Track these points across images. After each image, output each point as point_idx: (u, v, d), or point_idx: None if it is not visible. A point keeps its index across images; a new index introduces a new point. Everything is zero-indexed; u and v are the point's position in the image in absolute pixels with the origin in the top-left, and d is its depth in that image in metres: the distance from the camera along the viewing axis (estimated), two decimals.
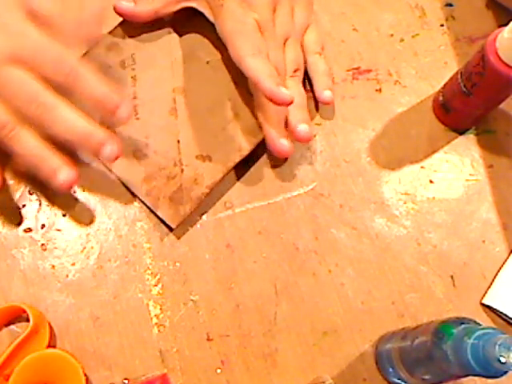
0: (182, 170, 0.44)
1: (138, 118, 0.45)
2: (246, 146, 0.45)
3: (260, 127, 0.45)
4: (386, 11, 0.53)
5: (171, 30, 0.48)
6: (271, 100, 0.41)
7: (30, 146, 0.38)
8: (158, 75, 0.47)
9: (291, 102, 0.41)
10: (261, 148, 0.47)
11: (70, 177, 0.38)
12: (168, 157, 0.44)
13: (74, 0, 0.42)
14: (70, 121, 0.38)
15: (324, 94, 0.47)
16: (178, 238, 0.44)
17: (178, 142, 0.44)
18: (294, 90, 0.45)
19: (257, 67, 0.42)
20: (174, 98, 0.46)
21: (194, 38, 0.49)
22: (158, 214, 0.43)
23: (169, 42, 0.48)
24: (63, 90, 0.38)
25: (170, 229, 0.44)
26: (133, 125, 0.45)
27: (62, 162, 0.39)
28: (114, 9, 0.46)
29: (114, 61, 0.47)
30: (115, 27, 0.48)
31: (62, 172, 0.38)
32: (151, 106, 0.46)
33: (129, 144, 0.44)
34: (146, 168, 0.44)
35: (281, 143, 0.44)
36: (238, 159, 0.45)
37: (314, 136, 0.48)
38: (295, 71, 0.46)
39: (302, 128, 0.44)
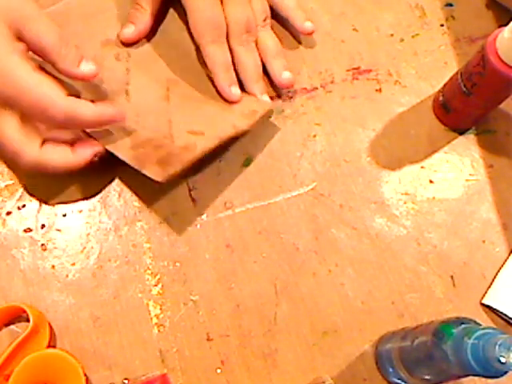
0: (173, 141, 0.42)
1: (129, 101, 0.44)
2: (240, 126, 0.44)
3: (254, 112, 0.45)
4: (385, 11, 0.53)
5: (166, 24, 0.48)
6: (221, 94, 0.45)
7: None
8: (152, 67, 0.46)
9: (237, 102, 0.45)
10: (261, 148, 0.47)
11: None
12: (158, 132, 0.43)
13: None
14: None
15: (305, 25, 0.49)
16: (178, 238, 0.44)
17: (170, 121, 0.44)
18: (268, 39, 0.47)
19: (215, 58, 0.45)
20: (167, 87, 0.45)
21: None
22: (144, 172, 0.40)
23: (165, 36, 0.48)
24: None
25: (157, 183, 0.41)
26: (123, 105, 0.44)
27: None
28: (121, 41, 0.47)
29: (109, 54, 0.46)
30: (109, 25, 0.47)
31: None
32: (144, 92, 0.45)
33: (118, 123, 0.42)
34: (133, 139, 0.42)
35: (262, 98, 0.46)
36: (231, 133, 0.43)
37: (314, 136, 0.48)
38: (264, 20, 0.48)
39: (286, 76, 0.47)
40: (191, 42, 0.47)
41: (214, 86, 0.46)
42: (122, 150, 0.42)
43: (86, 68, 0.41)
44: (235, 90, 0.45)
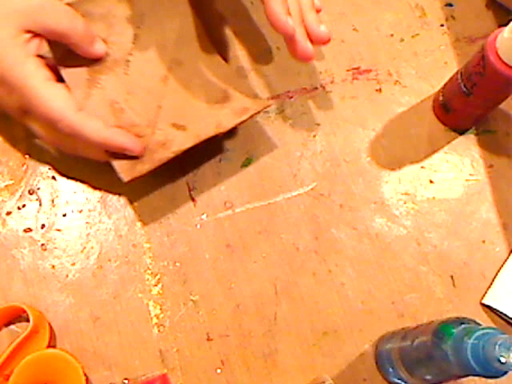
0: (153, 133, 0.42)
1: (126, 74, 0.43)
2: (225, 124, 0.43)
3: (245, 110, 0.43)
4: (386, 11, 0.53)
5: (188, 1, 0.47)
6: (272, 24, 0.40)
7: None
8: (160, 42, 0.45)
9: (292, 34, 0.41)
10: (261, 148, 0.47)
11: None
12: (143, 117, 0.42)
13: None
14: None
15: (321, 28, 0.44)
16: (178, 238, 0.45)
17: (160, 107, 0.43)
18: None
19: None
20: (169, 67, 0.44)
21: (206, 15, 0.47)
22: (113, 164, 0.41)
23: (182, 13, 0.46)
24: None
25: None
26: (119, 77, 0.43)
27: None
28: None
29: (122, 13, 0.45)
30: None
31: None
32: (144, 67, 0.44)
33: (108, 93, 0.42)
34: (116, 120, 0.42)
35: (308, 45, 0.43)
36: (212, 133, 0.42)
37: (314, 136, 0.48)
38: None
39: (323, 28, 0.44)
40: (207, 26, 0.46)
41: (215, 76, 0.44)
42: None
43: (100, 47, 0.42)
44: (291, 21, 0.41)
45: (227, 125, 0.43)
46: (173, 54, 0.45)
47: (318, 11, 0.46)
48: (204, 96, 0.44)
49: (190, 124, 0.43)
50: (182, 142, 0.42)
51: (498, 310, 0.43)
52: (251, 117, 0.43)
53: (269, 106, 0.45)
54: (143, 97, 0.43)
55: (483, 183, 0.48)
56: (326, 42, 0.44)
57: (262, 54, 0.51)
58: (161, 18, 0.46)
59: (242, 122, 0.43)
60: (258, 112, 0.44)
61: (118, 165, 0.40)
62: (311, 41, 0.44)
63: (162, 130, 0.42)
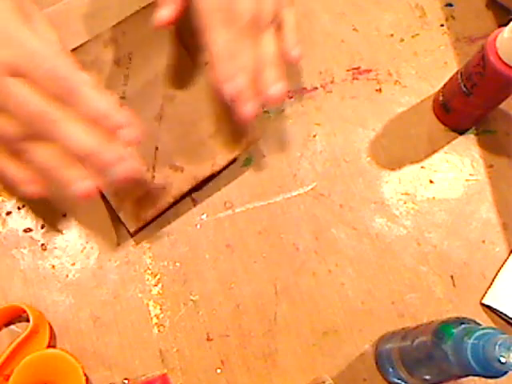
0: (153, 177, 0.43)
1: None
2: (219, 162, 0.44)
3: (237, 141, 0.45)
4: (386, 11, 0.53)
5: (173, 32, 0.48)
6: (219, 84, 0.38)
7: (42, 160, 0.35)
8: (150, 79, 0.46)
9: (238, 99, 0.38)
10: (261, 148, 0.47)
11: (85, 188, 0.35)
12: (143, 162, 0.43)
13: None
14: (75, 136, 0.34)
15: (276, 87, 0.40)
16: (178, 238, 0.44)
17: (157, 148, 0.44)
18: (270, 45, 0.40)
19: (219, 44, 0.38)
20: (161, 105, 0.45)
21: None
22: (119, 215, 0.43)
23: (168, 46, 0.47)
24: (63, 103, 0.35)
25: (130, 234, 0.44)
26: None
27: (78, 174, 0.35)
28: (159, 25, 0.40)
29: (110, 57, 0.46)
30: (118, 23, 0.47)
31: (77, 184, 0.35)
32: (138, 108, 0.45)
33: None
34: None
35: (247, 109, 0.39)
36: (208, 173, 0.44)
37: (314, 136, 0.48)
38: (271, 22, 0.40)
39: (278, 88, 0.40)
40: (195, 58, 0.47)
41: (206, 108, 0.45)
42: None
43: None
44: (237, 83, 0.38)
45: (221, 162, 0.45)
46: (164, 89, 0.46)
47: (296, 61, 0.42)
48: (197, 131, 0.45)
49: (186, 165, 0.44)
50: (181, 184, 0.44)
51: (498, 310, 0.43)
52: (245, 149, 0.45)
53: (260, 138, 0.46)
54: (141, 139, 0.43)
55: (483, 183, 0.48)
56: (278, 101, 0.40)
57: None
58: (148, 55, 0.47)
59: (233, 160, 0.45)
60: (250, 144, 0.45)
61: (124, 215, 0.42)
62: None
63: (161, 173, 0.44)
